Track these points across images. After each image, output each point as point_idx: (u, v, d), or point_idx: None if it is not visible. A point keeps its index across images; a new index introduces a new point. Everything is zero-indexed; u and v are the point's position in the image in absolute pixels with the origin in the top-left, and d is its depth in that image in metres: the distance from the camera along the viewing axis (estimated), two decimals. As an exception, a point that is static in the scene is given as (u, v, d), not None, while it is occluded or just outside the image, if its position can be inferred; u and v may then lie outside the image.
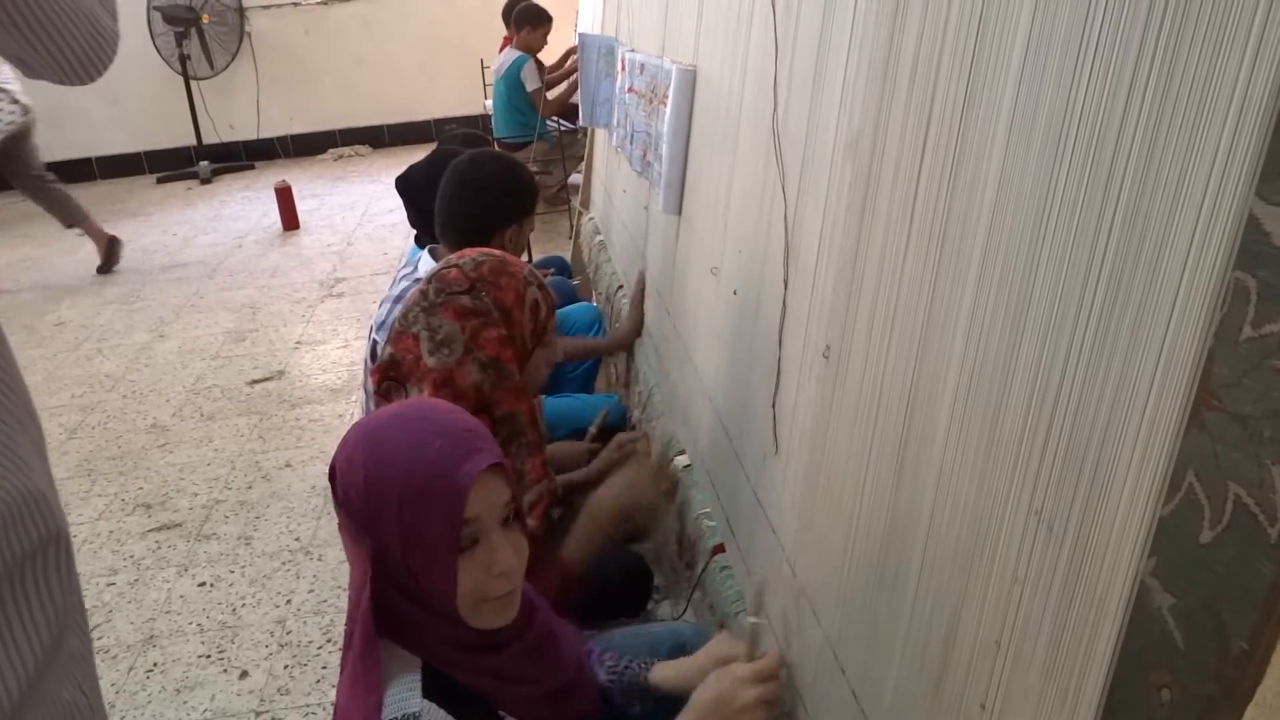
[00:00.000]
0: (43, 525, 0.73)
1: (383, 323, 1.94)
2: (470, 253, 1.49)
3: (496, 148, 3.68)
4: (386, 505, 0.95)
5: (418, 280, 1.93)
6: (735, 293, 1.50)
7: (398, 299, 1.95)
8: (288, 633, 2.41)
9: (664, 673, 1.25)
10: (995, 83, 0.74)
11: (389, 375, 1.43)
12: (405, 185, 2.62)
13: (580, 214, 3.71)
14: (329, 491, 1.04)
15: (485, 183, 1.98)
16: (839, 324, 1.05)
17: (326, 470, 1.05)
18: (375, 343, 1.95)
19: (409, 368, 1.41)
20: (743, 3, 1.46)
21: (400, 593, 0.99)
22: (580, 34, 3.32)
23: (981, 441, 0.74)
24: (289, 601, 2.53)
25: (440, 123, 8.36)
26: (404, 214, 2.75)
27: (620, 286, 2.71)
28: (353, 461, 0.97)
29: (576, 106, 3.14)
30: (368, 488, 0.96)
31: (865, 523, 0.98)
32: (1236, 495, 0.52)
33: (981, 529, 0.74)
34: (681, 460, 1.82)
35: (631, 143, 2.42)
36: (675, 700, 1.22)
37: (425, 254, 2.00)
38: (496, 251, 1.51)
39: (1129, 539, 0.58)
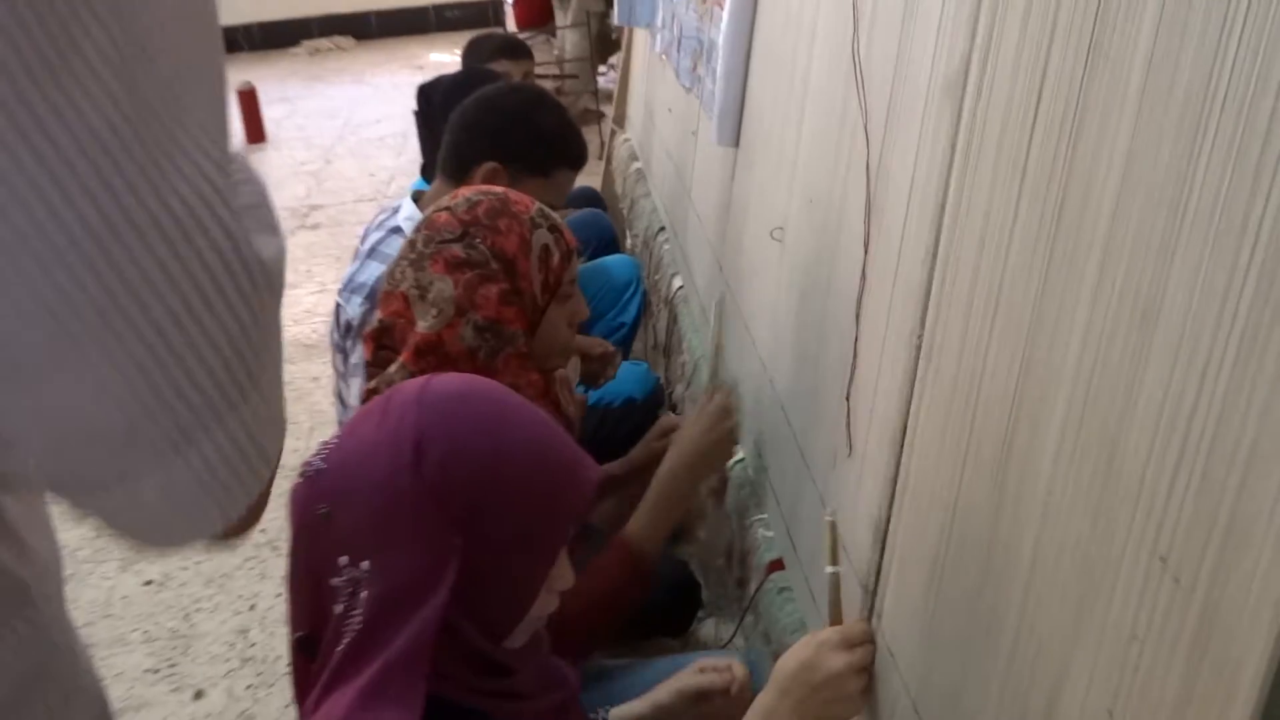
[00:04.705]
0: None
1: (350, 281, 1.96)
2: (465, 191, 1.50)
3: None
4: (507, 500, 1.00)
5: (394, 230, 1.95)
6: (803, 255, 1.51)
7: (370, 253, 1.96)
8: (251, 645, 2.47)
9: (622, 711, 1.32)
10: (1128, 27, 0.75)
11: (383, 344, 1.46)
12: (424, 99, 2.64)
13: (614, 133, 3.71)
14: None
15: (495, 104, 1.99)
16: (930, 306, 1.07)
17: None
18: (339, 305, 1.97)
19: (402, 333, 1.44)
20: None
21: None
22: (618, -92, 3.30)
23: (1098, 467, 0.76)
24: (252, 607, 2.60)
25: (439, 9, 8.36)
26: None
27: (661, 228, 2.72)
28: (463, 450, 0.99)
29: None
30: (486, 478, 0.99)
31: (956, 551, 1.00)
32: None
33: (1095, 572, 0.76)
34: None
35: (679, 50, 2.43)
36: None
37: (408, 200, 2.01)
38: (498, 188, 1.52)
39: (1269, 600, 0.60)
